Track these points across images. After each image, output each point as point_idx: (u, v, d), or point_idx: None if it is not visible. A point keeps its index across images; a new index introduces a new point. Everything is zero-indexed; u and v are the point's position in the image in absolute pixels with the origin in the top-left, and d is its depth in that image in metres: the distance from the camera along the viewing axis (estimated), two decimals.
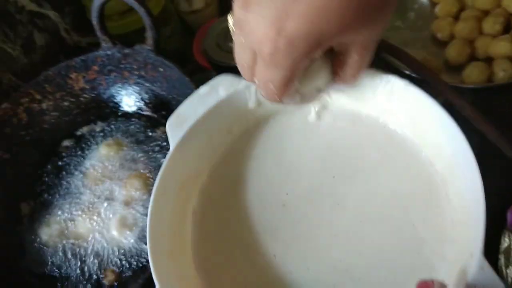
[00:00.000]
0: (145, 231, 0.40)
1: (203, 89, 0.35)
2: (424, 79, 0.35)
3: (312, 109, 0.36)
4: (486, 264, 0.22)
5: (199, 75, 0.64)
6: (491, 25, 0.47)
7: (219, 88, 0.35)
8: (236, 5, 0.24)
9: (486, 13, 0.49)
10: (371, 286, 0.28)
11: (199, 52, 0.59)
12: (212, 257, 0.32)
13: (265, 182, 0.34)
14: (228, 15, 0.28)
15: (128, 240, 0.41)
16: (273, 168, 0.35)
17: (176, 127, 0.33)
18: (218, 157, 0.36)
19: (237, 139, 0.37)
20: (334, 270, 0.29)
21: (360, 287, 0.28)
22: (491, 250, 0.25)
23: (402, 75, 0.51)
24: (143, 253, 0.40)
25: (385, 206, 0.31)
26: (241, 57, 0.27)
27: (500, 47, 0.45)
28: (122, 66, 0.46)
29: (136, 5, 0.40)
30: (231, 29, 0.27)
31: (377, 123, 0.34)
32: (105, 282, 0.39)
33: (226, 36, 0.49)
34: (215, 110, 0.34)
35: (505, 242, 0.28)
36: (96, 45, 0.49)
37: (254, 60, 0.26)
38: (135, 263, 0.40)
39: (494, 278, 0.22)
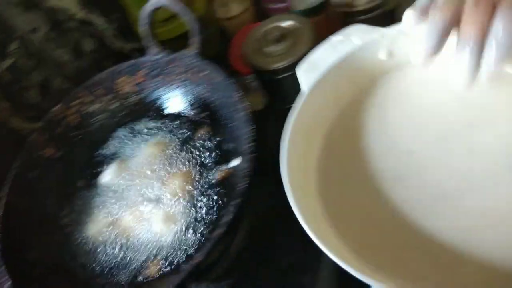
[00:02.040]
0: (185, 227, 0.43)
1: (337, 37, 0.36)
2: None
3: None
4: None
5: (237, 79, 0.66)
6: None
7: (352, 36, 0.35)
8: None
9: None
10: (509, 232, 0.27)
11: (235, 56, 0.61)
12: (336, 201, 0.32)
13: (390, 130, 0.34)
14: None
15: (169, 235, 0.42)
16: (399, 117, 0.34)
17: (308, 72, 0.35)
18: (343, 105, 0.36)
19: (363, 89, 0.37)
20: (466, 217, 0.28)
21: (498, 232, 0.27)
22: None
23: None
24: (182, 249, 0.42)
25: None
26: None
27: None
28: (168, 70, 0.48)
29: (185, 12, 0.43)
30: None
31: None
32: (147, 273, 0.41)
33: (265, 40, 0.51)
34: (347, 58, 0.35)
35: None
36: (138, 51, 0.52)
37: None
38: (174, 258, 0.41)
39: None
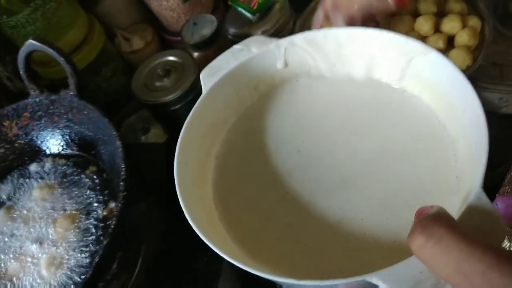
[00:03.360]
0: (73, 270, 0.43)
1: (237, 46, 0.39)
2: None
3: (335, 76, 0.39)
4: (484, 195, 0.24)
5: (141, 111, 0.67)
6: None
7: (251, 46, 0.38)
8: None
9: None
10: (373, 227, 0.30)
11: None
12: (229, 195, 0.35)
13: (284, 133, 0.37)
14: None
15: (57, 278, 0.42)
16: (293, 122, 0.38)
17: (209, 76, 0.37)
18: (243, 110, 0.40)
19: (263, 96, 0.40)
20: (339, 210, 0.32)
21: (362, 226, 0.31)
22: None
23: None
24: None
25: (395, 161, 0.33)
26: None
27: None
28: (51, 111, 0.48)
29: (55, 55, 0.43)
30: None
31: (396, 90, 0.37)
32: None
33: (152, 76, 0.52)
34: (245, 65, 0.38)
35: None
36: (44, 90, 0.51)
37: None
38: None
39: (489, 206, 0.24)
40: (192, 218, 0.30)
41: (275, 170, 0.35)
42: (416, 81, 0.36)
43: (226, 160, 0.38)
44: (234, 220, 0.34)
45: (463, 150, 0.31)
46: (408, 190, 0.32)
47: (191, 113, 0.36)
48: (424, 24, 0.55)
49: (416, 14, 0.57)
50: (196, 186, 0.35)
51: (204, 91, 0.37)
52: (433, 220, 0.21)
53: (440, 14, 0.56)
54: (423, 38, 0.56)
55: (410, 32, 0.56)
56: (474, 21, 0.55)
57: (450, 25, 0.54)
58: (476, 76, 0.58)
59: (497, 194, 0.52)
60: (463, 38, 0.53)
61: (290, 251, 0.32)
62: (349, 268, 0.30)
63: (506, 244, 0.46)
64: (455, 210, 0.28)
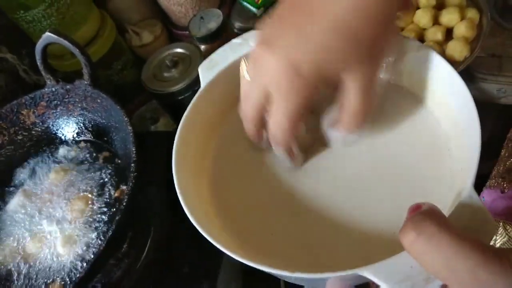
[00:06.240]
0: (86, 248, 0.45)
1: (236, 40, 0.39)
2: None
3: None
4: (475, 194, 0.24)
5: (150, 102, 0.70)
6: None
7: (250, 40, 0.38)
8: (260, 48, 0.30)
9: None
10: (370, 224, 0.31)
11: None
12: (226, 188, 0.36)
13: None
14: (242, 61, 0.33)
15: (71, 255, 0.45)
16: None
17: (208, 69, 0.38)
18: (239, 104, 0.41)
19: None
20: (338, 207, 0.32)
21: (360, 222, 0.31)
22: None
23: None
24: (82, 268, 0.44)
25: (390, 155, 0.34)
26: (252, 96, 0.31)
27: None
28: (66, 100, 0.51)
29: (70, 47, 0.46)
30: (243, 73, 0.32)
31: (392, 86, 0.37)
32: None
33: (160, 67, 0.55)
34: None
35: None
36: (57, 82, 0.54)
37: (266, 98, 0.30)
38: (77, 275, 0.44)
39: (480, 204, 0.24)
40: (189, 210, 0.31)
41: (272, 166, 0.36)
42: (409, 77, 0.37)
43: (223, 155, 0.38)
44: (230, 214, 0.35)
45: (457, 147, 0.32)
46: (405, 185, 0.32)
47: (189, 107, 0.36)
48: (423, 17, 0.57)
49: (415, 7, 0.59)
50: (194, 178, 0.35)
51: (202, 85, 0.37)
52: (425, 217, 0.21)
53: (439, 7, 0.58)
54: (422, 30, 0.57)
55: (409, 24, 0.58)
56: (472, 13, 0.56)
57: (449, 17, 0.56)
58: (475, 67, 0.60)
59: (484, 187, 0.53)
60: (461, 29, 0.55)
61: (286, 246, 0.32)
62: (347, 263, 0.29)
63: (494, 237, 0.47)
64: (448, 205, 0.29)
